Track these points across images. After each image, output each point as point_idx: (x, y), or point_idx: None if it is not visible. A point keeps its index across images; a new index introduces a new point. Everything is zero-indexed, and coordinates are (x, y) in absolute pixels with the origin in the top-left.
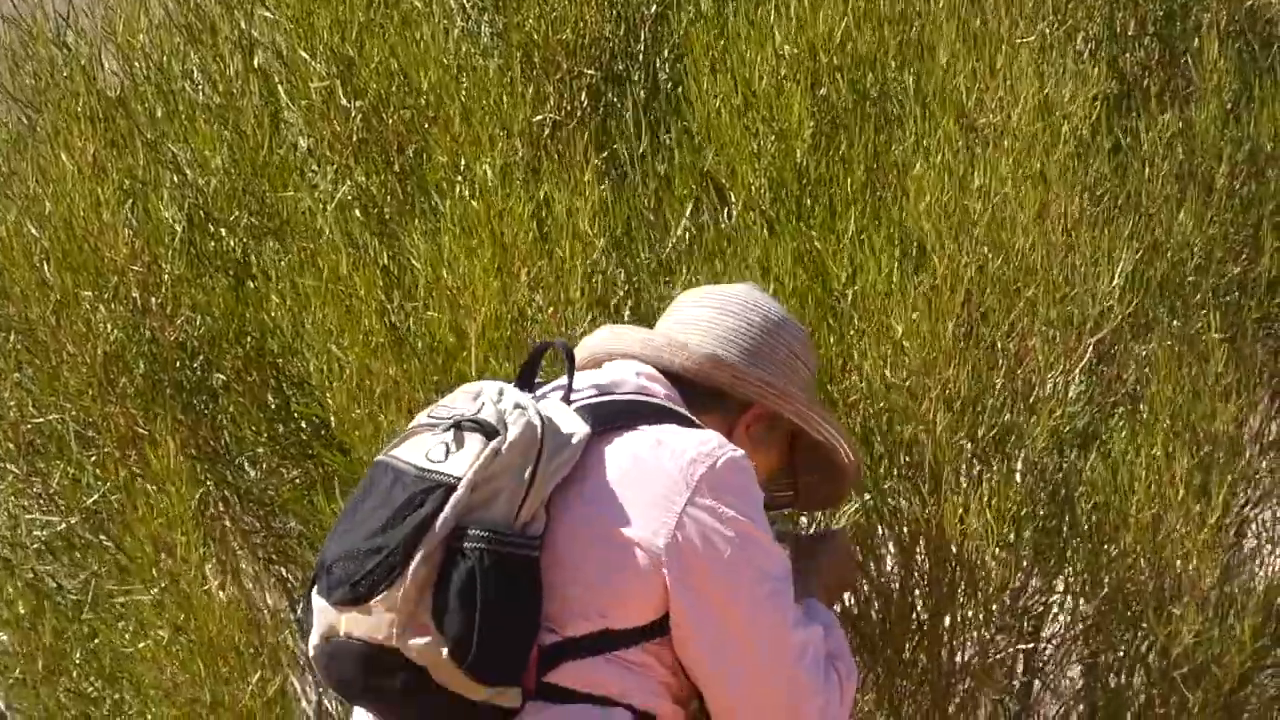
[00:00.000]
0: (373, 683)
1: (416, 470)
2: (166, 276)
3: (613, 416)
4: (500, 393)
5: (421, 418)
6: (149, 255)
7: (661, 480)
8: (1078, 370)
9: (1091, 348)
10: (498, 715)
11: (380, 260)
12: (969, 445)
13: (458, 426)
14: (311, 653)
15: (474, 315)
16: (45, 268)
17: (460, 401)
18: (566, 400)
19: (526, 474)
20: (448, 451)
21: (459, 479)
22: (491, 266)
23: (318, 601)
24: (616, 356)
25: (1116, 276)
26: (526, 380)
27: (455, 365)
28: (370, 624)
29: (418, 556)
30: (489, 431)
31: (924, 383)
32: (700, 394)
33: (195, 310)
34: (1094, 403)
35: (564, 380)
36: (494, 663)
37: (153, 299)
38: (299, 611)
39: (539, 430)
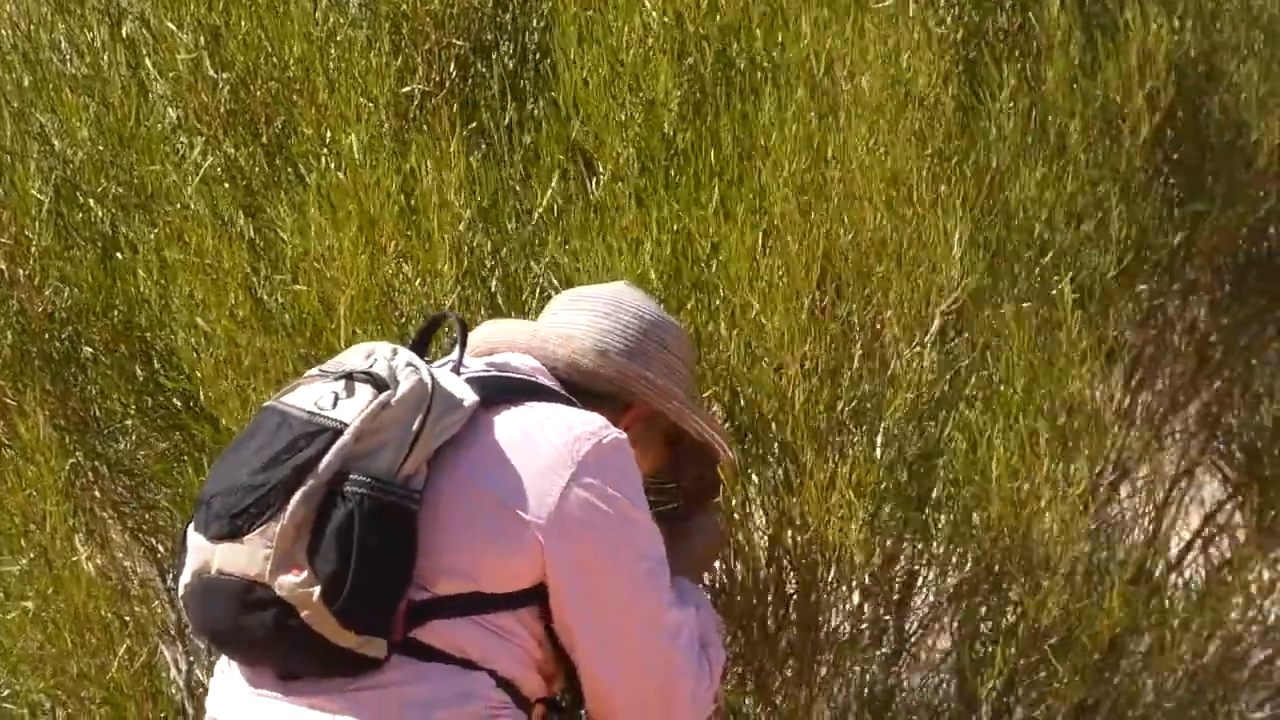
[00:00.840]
0: (242, 621)
1: (305, 414)
2: (34, 249)
3: (503, 390)
4: (394, 352)
5: (313, 370)
6: (15, 227)
7: (547, 454)
8: (929, 339)
9: (939, 317)
10: (362, 665)
11: (246, 234)
12: (826, 419)
13: (349, 377)
14: (181, 592)
15: (341, 288)
16: None
17: (352, 358)
18: (456, 372)
19: (413, 428)
20: (336, 399)
21: (346, 425)
22: (359, 239)
23: (193, 538)
24: (503, 349)
25: (955, 244)
26: (419, 349)
27: (324, 338)
28: (244, 559)
29: (298, 495)
30: (380, 384)
31: (783, 357)
32: (581, 394)
33: (64, 282)
34: (949, 370)
35: (455, 356)
36: (363, 609)
37: (20, 270)
38: (169, 580)
39: (429, 389)
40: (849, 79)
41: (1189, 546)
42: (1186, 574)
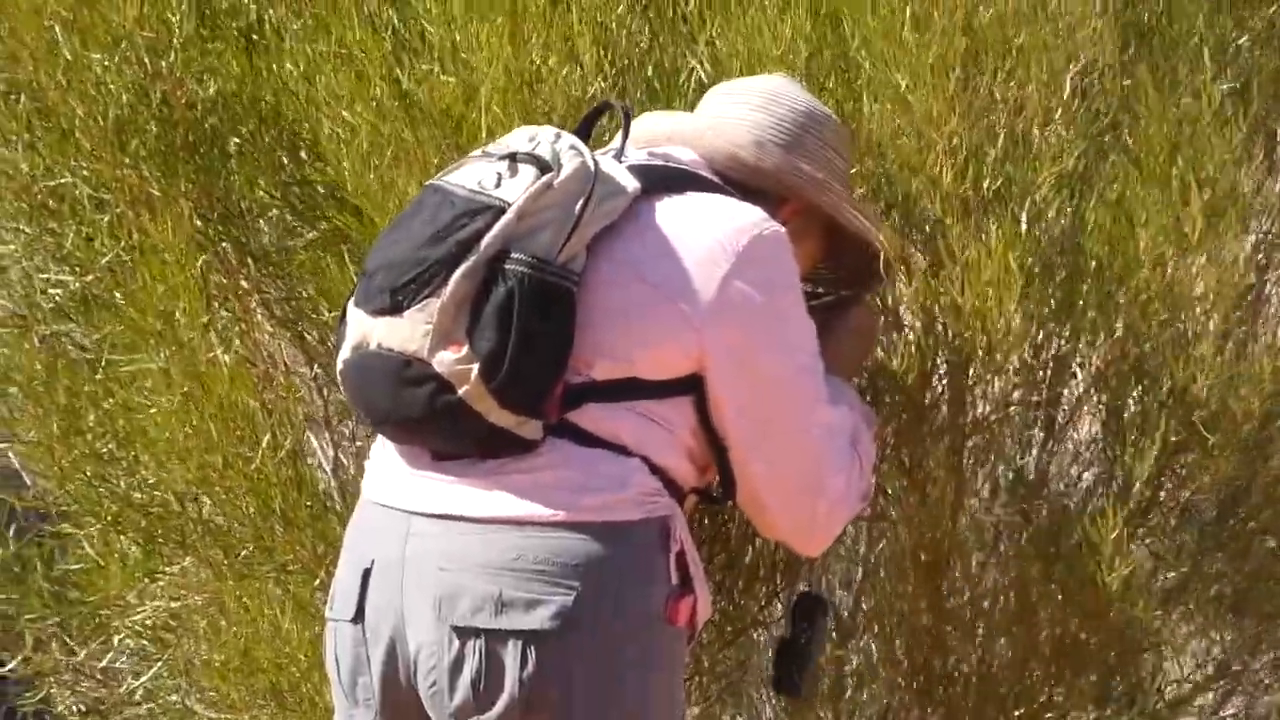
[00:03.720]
0: (399, 397)
1: (468, 193)
2: (176, 39)
3: (664, 180)
4: (557, 136)
5: (476, 152)
6: (157, 17)
7: (708, 244)
8: (1061, 106)
9: (1078, 87)
10: (516, 446)
11: (390, 24)
12: (973, 197)
13: (512, 158)
14: (340, 367)
15: (482, 77)
16: (56, 30)
17: (516, 140)
18: (618, 160)
19: (575, 210)
20: (500, 179)
21: (509, 204)
22: (502, 29)
23: (354, 313)
24: (663, 141)
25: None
26: (582, 136)
27: (466, 128)
28: (404, 334)
29: (460, 271)
30: (543, 166)
31: (929, 134)
32: (738, 187)
33: (207, 72)
34: (1089, 143)
35: (617, 144)
36: (520, 387)
37: (163, 62)
38: (316, 367)
39: (592, 172)
40: None
41: None
42: None
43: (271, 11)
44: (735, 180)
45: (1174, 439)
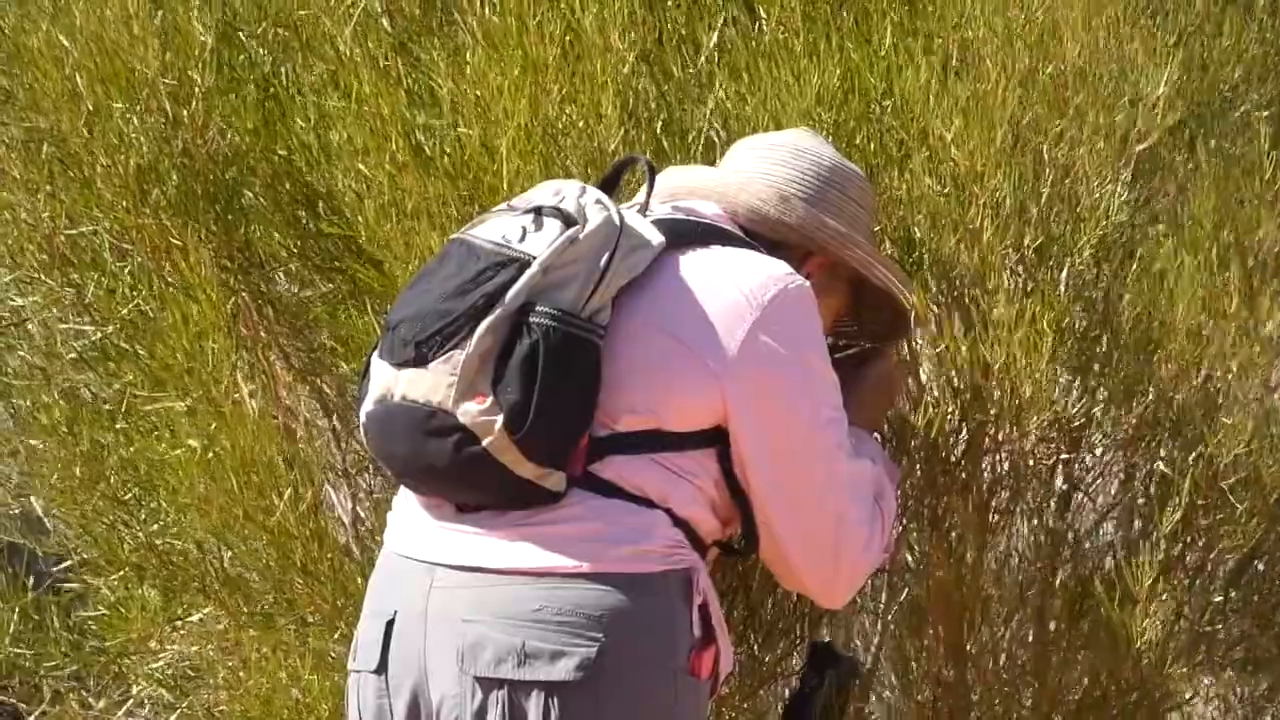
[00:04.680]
0: (423, 448)
1: (493, 246)
2: (197, 90)
3: (689, 234)
4: (582, 190)
5: (500, 206)
6: (179, 68)
7: (732, 298)
8: (1122, 180)
9: (1136, 157)
10: (540, 497)
11: (403, 80)
12: (1013, 255)
13: (537, 212)
14: (363, 419)
15: (502, 130)
16: (77, 80)
17: (541, 194)
18: (643, 214)
19: (600, 264)
20: (525, 233)
21: (534, 258)
22: (521, 81)
23: (377, 365)
24: (685, 195)
25: (1162, 85)
26: (607, 190)
27: (486, 180)
28: (428, 385)
29: (484, 324)
30: (568, 220)
31: (971, 190)
32: (762, 241)
33: (226, 123)
34: (1139, 212)
35: (641, 198)
36: (544, 439)
37: (184, 111)
38: (335, 419)
39: (617, 226)
40: None
41: None
42: None
43: (287, 64)
44: (759, 234)
45: (1200, 502)
